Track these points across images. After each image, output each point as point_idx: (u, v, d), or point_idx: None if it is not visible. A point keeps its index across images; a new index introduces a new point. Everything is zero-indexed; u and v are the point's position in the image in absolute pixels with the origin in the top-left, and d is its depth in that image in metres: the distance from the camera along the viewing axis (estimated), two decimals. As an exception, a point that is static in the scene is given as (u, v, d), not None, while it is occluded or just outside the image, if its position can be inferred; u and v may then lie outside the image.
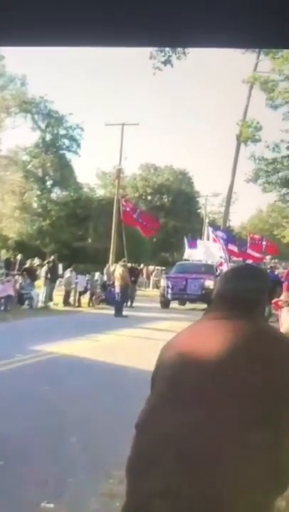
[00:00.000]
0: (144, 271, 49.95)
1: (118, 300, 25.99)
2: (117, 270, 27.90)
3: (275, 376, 2.34)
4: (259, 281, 2.69)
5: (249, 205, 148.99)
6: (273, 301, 19.86)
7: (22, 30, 2.04)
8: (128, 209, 33.94)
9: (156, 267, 51.62)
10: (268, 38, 2.07)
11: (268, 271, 30.79)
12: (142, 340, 16.87)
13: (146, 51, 13.35)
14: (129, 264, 30.49)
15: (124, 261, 28.84)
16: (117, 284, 26.44)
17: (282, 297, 19.08)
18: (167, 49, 13.08)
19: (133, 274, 31.06)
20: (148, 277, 50.03)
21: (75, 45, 2.41)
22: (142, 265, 49.10)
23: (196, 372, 2.40)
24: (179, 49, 13.01)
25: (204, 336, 2.50)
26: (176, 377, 2.44)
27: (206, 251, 34.83)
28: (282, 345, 2.47)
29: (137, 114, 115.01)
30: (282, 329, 7.03)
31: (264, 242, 45.95)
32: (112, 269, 33.46)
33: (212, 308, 2.69)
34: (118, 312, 25.06)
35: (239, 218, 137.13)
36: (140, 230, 35.27)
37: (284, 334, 2.87)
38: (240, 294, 2.58)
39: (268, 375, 2.33)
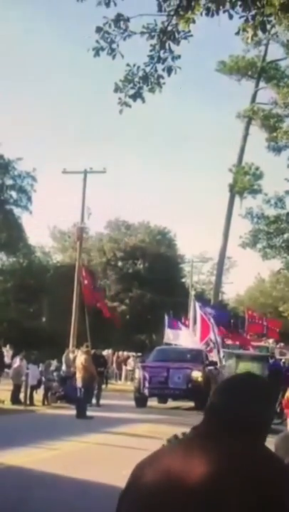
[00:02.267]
0: (114, 358, 49.90)
1: (80, 397, 25.97)
2: (78, 358, 27.90)
3: None
4: (267, 401, 2.87)
5: (247, 274, 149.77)
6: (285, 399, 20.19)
7: None
8: (86, 282, 34.32)
9: (130, 354, 51.55)
10: None
11: (272, 360, 31.07)
12: (111, 449, 16.94)
13: (112, 83, 13.65)
14: (93, 351, 30.53)
15: (87, 346, 28.88)
16: (79, 376, 26.46)
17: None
18: (136, 79, 13.51)
19: (99, 362, 31.06)
20: (119, 367, 49.95)
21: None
22: (110, 351, 49.07)
23: None
24: (153, 79, 13.51)
25: (193, 464, 2.60)
26: None
27: (192, 333, 35.02)
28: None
29: (103, 160, 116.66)
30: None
31: (265, 323, 46.25)
32: (72, 356, 33.51)
33: (205, 421, 2.82)
34: (81, 412, 25.02)
35: (235, 290, 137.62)
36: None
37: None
38: (245, 415, 2.73)
39: None
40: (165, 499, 2.54)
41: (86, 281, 34.75)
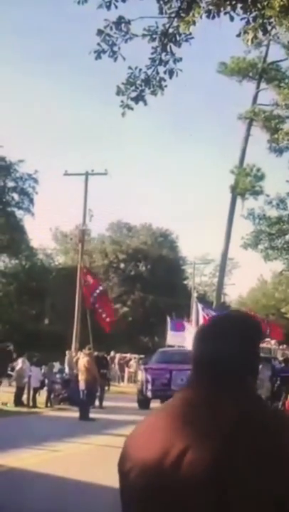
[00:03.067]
0: (117, 360, 49.88)
1: (83, 399, 25.99)
2: (81, 360, 27.90)
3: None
4: (247, 339, 2.54)
5: (249, 275, 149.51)
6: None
7: None
8: (86, 283, 34.18)
9: (132, 356, 51.50)
10: None
11: (281, 366, 31.00)
12: (114, 451, 16.75)
13: (114, 85, 13.65)
14: (95, 353, 30.48)
15: (89, 348, 28.86)
16: (82, 378, 26.46)
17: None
18: (138, 82, 13.53)
19: (101, 364, 31.04)
20: (122, 369, 49.91)
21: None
22: (112, 353, 49.05)
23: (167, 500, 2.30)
24: (154, 82, 13.53)
25: (184, 434, 2.33)
26: (145, 502, 2.37)
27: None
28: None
29: (105, 162, 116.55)
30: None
31: (267, 325, 46.14)
32: (74, 358, 33.49)
33: (189, 380, 2.55)
34: (84, 414, 25.04)
35: (237, 291, 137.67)
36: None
37: None
38: (223, 359, 2.46)
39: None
40: (159, 484, 2.30)
41: (91, 283, 34.65)
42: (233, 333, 2.52)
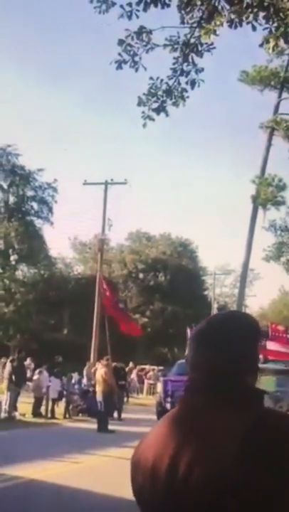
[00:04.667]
0: (135, 372, 49.79)
1: (102, 410, 26.01)
2: (98, 371, 27.94)
3: None
4: (249, 339, 2.50)
5: (271, 286, 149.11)
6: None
7: None
8: (108, 294, 34.28)
9: (151, 367, 51.40)
10: None
11: None
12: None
13: (135, 96, 13.70)
14: (113, 364, 30.44)
15: (107, 359, 28.85)
16: (99, 389, 26.51)
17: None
18: (160, 93, 13.58)
19: (119, 376, 31.01)
20: (141, 380, 49.82)
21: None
22: (130, 364, 48.96)
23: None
24: (176, 93, 13.58)
25: (176, 450, 2.35)
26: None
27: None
28: None
29: (125, 171, 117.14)
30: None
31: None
32: (93, 369, 33.50)
33: (188, 386, 2.54)
34: (102, 426, 25.03)
35: (258, 303, 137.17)
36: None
37: None
38: (222, 365, 2.41)
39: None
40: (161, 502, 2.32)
41: (108, 293, 34.78)
42: (234, 333, 2.46)
